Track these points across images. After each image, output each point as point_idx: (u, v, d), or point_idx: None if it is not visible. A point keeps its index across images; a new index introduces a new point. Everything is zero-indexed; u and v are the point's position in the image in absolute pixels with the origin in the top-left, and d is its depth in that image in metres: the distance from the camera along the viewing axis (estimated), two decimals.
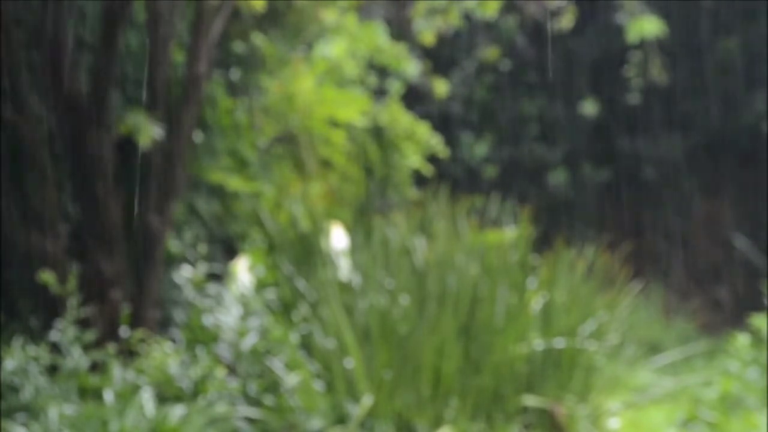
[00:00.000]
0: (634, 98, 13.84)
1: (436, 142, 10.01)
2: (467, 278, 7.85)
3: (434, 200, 8.84)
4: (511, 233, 8.48)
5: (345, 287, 7.85)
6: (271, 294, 7.29)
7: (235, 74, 8.74)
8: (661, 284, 13.83)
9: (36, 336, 6.60)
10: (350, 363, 7.39)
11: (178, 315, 7.40)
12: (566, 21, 10.85)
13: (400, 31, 10.63)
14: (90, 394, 6.23)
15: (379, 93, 10.61)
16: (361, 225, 8.66)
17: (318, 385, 7.11)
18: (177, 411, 6.14)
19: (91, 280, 6.89)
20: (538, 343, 7.83)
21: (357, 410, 7.16)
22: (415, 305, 7.69)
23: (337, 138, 9.26)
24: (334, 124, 9.28)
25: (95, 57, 7.08)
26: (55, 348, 6.40)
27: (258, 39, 8.82)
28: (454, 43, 13.97)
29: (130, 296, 7.11)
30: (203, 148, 8.15)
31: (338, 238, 8.21)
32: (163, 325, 7.33)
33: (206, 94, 7.83)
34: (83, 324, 6.51)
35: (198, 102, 7.43)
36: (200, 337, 6.90)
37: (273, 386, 6.81)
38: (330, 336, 7.48)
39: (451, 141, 11.48)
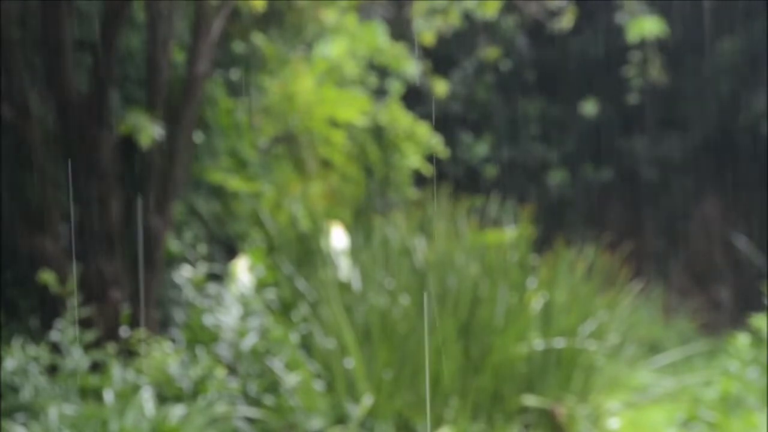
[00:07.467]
0: (634, 98, 13.82)
1: (436, 142, 10.01)
2: (467, 278, 7.84)
3: (434, 200, 8.84)
4: (511, 233, 8.48)
5: (345, 287, 7.85)
6: (271, 294, 7.29)
7: (235, 74, 8.74)
8: (661, 284, 13.82)
9: (36, 336, 6.60)
10: (350, 363, 7.39)
11: (178, 315, 7.39)
12: (566, 21, 10.85)
13: (400, 31, 10.62)
14: (90, 394, 6.23)
15: (379, 93, 10.60)
16: (361, 225, 8.66)
17: (318, 385, 7.11)
18: (177, 411, 6.14)
19: (91, 280, 6.89)
20: (538, 343, 7.83)
21: (357, 410, 7.16)
22: (415, 305, 7.69)
23: (337, 138, 9.25)
24: (334, 124, 9.27)
25: (95, 57, 7.08)
26: (55, 348, 6.40)
27: (258, 39, 8.82)
28: (454, 43, 13.94)
29: (130, 296, 7.11)
30: (203, 148, 8.15)
31: (338, 238, 8.20)
32: (163, 325, 7.33)
33: (206, 94, 7.83)
34: (83, 324, 6.50)
35: (198, 102, 7.43)
36: (200, 337, 6.90)
37: (273, 386, 6.81)
38: (330, 336, 7.47)
39: (451, 141, 11.46)
